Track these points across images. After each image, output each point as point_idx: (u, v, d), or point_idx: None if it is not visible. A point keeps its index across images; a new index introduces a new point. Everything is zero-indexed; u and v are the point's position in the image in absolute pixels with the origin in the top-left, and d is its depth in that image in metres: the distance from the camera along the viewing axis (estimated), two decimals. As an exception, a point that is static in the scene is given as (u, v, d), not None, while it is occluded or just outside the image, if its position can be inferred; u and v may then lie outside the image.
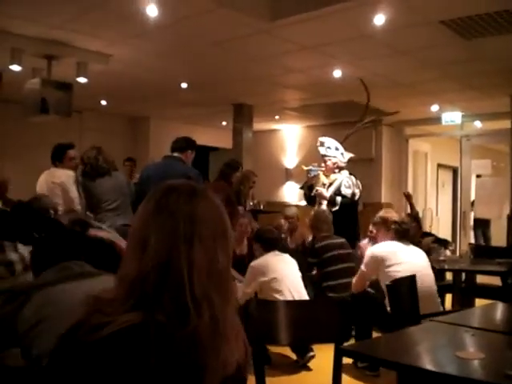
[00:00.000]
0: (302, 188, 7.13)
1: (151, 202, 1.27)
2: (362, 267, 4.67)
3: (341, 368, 2.52)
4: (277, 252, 5.06)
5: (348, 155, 6.76)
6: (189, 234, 1.21)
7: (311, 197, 6.74)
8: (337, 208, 6.38)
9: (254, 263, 4.96)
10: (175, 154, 5.41)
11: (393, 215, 4.92)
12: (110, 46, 6.67)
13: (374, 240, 5.41)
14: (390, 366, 2.45)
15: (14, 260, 2.97)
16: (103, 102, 10.20)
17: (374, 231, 5.08)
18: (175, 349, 1.13)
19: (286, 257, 5.12)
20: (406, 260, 4.49)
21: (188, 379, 1.15)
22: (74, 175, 5.57)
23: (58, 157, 5.67)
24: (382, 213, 5.04)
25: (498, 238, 9.54)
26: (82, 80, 7.15)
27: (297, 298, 4.71)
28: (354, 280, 4.85)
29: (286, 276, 4.86)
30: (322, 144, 6.70)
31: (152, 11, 5.43)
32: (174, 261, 1.18)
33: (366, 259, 4.66)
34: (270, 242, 5.07)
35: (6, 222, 3.27)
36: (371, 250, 4.72)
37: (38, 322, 2.02)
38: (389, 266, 4.41)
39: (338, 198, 6.40)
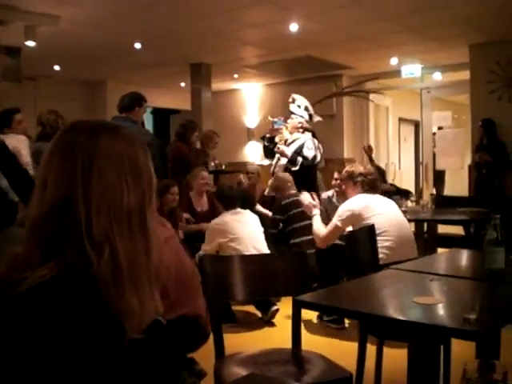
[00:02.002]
0: (262, 138, 7.09)
1: (53, 141, 1.17)
2: (337, 222, 4.54)
3: (300, 320, 2.48)
4: (238, 210, 5.00)
5: (317, 118, 6.71)
6: (86, 171, 1.11)
7: (269, 149, 6.70)
8: (297, 168, 6.34)
9: (212, 223, 4.91)
10: (123, 115, 5.23)
11: (358, 168, 4.88)
12: (58, 6, 6.40)
13: (341, 195, 5.43)
14: (346, 315, 2.41)
15: None
16: (56, 68, 9.88)
17: (343, 186, 5.06)
18: (83, 298, 1.05)
19: (247, 214, 5.07)
20: (382, 211, 4.47)
21: (104, 327, 1.06)
22: (27, 140, 5.39)
23: (6, 122, 5.47)
24: (347, 167, 5.02)
25: (462, 189, 9.63)
26: (30, 44, 6.90)
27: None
28: (321, 234, 4.77)
29: (246, 234, 4.80)
30: (294, 101, 6.66)
31: (98, -35, 5.21)
32: (71, 200, 1.09)
33: (340, 214, 4.54)
34: (229, 200, 5.01)
35: None
36: (347, 205, 4.61)
37: None
38: (367, 219, 4.37)
39: (299, 159, 6.37)
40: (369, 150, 9.28)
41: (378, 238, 4.18)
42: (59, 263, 1.06)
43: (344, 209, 4.59)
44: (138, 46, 8.31)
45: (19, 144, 5.35)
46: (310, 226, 5.44)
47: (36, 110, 8.67)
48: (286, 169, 6.41)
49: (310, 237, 5.41)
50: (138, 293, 1.13)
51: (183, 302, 1.82)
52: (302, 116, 6.59)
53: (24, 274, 1.04)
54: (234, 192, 5.19)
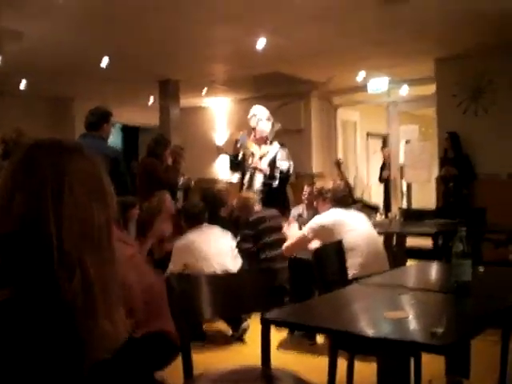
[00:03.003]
0: (229, 154, 7.08)
1: (16, 157, 1.14)
2: (305, 232, 4.59)
3: (269, 338, 2.45)
4: (203, 227, 4.91)
5: (277, 126, 6.71)
6: (57, 190, 1.08)
7: (237, 165, 6.67)
8: (276, 183, 6.34)
9: (177, 243, 4.81)
10: (92, 132, 5.16)
11: (328, 184, 4.92)
12: (20, 22, 6.32)
13: (310, 208, 5.51)
14: (316, 331, 2.39)
15: None
16: (23, 84, 9.74)
17: (314, 202, 5.13)
18: (48, 321, 1.01)
19: (214, 231, 4.99)
20: (354, 226, 4.51)
21: (66, 350, 1.03)
22: None
23: None
24: (317, 183, 5.08)
25: (430, 201, 9.73)
26: (-7, 59, 6.80)
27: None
28: (288, 242, 4.79)
29: (212, 253, 4.71)
30: (255, 114, 6.61)
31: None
32: (42, 221, 1.06)
33: (312, 226, 4.59)
34: (193, 218, 4.93)
35: None
36: (319, 218, 4.65)
37: None
38: (338, 235, 4.37)
39: (277, 174, 6.36)
40: (339, 164, 9.36)
41: (350, 254, 4.20)
42: (18, 286, 1.02)
43: (315, 221, 4.62)
44: (105, 62, 8.24)
45: None
46: (280, 240, 5.44)
47: (2, 126, 8.53)
48: (265, 185, 6.38)
49: (280, 250, 5.42)
50: (110, 313, 1.11)
51: (151, 320, 1.78)
52: (266, 127, 6.56)
53: None
54: (198, 208, 5.10)
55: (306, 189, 6.18)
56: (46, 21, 6.32)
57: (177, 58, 8.31)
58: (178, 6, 5.95)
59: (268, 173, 6.35)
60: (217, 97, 11.85)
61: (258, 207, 5.84)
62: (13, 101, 10.28)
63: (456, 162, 8.06)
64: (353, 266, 4.19)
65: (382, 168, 10.98)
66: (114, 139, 11.77)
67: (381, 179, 11.00)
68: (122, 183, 4.93)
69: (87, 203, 1.12)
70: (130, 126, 13.03)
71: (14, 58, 7.43)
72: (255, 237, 5.59)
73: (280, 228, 5.67)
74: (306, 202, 6.21)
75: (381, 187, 11.32)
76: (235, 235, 5.46)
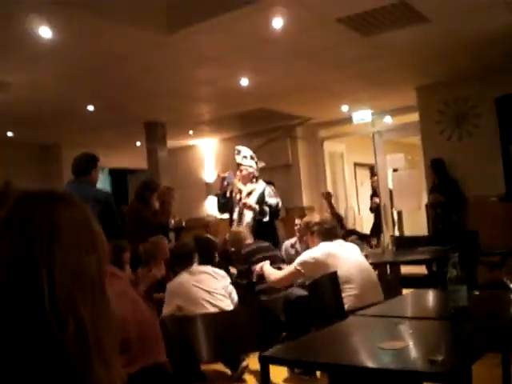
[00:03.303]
0: (215, 195, 7.12)
1: (5, 210, 1.14)
2: (297, 266, 4.55)
3: (268, 376, 2.42)
4: (194, 267, 4.84)
5: (261, 164, 6.78)
6: (47, 245, 1.08)
7: (225, 205, 6.72)
8: (267, 219, 6.37)
9: (169, 284, 4.73)
10: (80, 178, 5.16)
11: (314, 218, 4.94)
12: (8, 73, 6.39)
13: (302, 241, 5.52)
14: (314, 368, 2.38)
15: None
16: (10, 133, 9.79)
17: (304, 238, 5.14)
18: (43, 371, 1.00)
19: (206, 270, 4.91)
20: (345, 258, 4.51)
21: None
22: None
23: None
24: (304, 218, 5.10)
25: (422, 227, 9.76)
26: (-19, 111, 6.84)
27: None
28: (278, 275, 4.79)
29: (203, 294, 4.63)
30: (239, 153, 6.68)
31: (45, 33, 5.23)
32: (31, 275, 1.05)
33: (303, 260, 4.56)
34: (183, 258, 4.87)
35: None
36: (310, 253, 4.63)
37: None
38: (332, 267, 4.37)
39: (266, 208, 6.39)
40: (328, 197, 9.39)
41: (344, 286, 4.20)
42: (11, 337, 1.02)
43: (307, 255, 4.61)
44: (90, 108, 8.32)
45: None
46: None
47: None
48: (255, 220, 6.40)
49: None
50: (105, 361, 1.09)
51: (146, 351, 1.77)
52: (250, 166, 6.63)
53: None
54: (187, 248, 5.03)
55: (297, 221, 6.22)
56: (32, 71, 6.39)
57: (161, 102, 8.38)
58: (161, 52, 6.04)
59: (258, 209, 6.38)
60: (203, 138, 11.94)
61: (249, 240, 5.84)
62: (0, 149, 10.26)
63: (443, 188, 8.11)
64: (348, 299, 4.18)
65: (372, 196, 11.03)
66: (102, 183, 11.77)
67: (371, 209, 11.03)
68: (114, 225, 4.92)
69: (78, 253, 1.11)
70: (118, 169, 13.05)
71: (0, 108, 7.48)
72: (248, 270, 5.55)
73: (276, 258, 5.66)
74: (297, 234, 6.24)
75: (371, 217, 11.35)
76: (227, 270, 5.44)
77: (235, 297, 4.96)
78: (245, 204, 6.44)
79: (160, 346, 1.73)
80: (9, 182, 5.48)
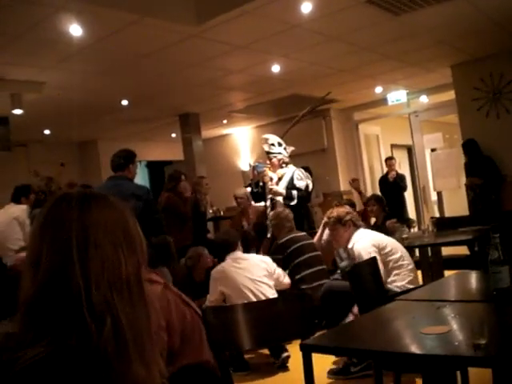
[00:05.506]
0: (248, 186, 7.13)
1: (41, 214, 1.16)
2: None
3: (311, 365, 2.42)
4: (237, 254, 4.85)
5: (290, 149, 6.76)
6: (82, 244, 1.10)
7: (258, 193, 6.73)
8: (295, 202, 6.35)
9: (213, 271, 4.79)
10: (118, 174, 5.22)
11: (340, 210, 4.86)
12: (41, 73, 6.49)
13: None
14: (357, 355, 2.36)
15: None
16: (47, 132, 9.96)
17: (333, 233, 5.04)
18: (83, 372, 1.02)
19: (249, 259, 4.92)
20: (387, 239, 4.52)
21: None
22: (28, 208, 5.43)
23: (24, 193, 5.59)
24: (327, 214, 4.99)
25: (463, 207, 9.59)
26: (17, 112, 6.97)
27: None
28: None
29: (247, 282, 4.64)
30: (266, 141, 6.70)
31: (76, 31, 5.28)
32: (69, 274, 1.07)
33: (369, 252, 4.37)
34: (226, 246, 4.90)
35: None
36: (363, 244, 4.49)
37: None
38: (384, 249, 4.40)
39: (294, 192, 6.38)
40: (354, 183, 9.24)
41: (401, 263, 4.20)
42: (51, 342, 1.04)
43: (365, 248, 4.45)
44: (125, 102, 8.39)
45: (22, 213, 5.38)
46: (311, 259, 5.42)
47: (30, 174, 8.69)
48: (284, 205, 6.40)
49: (314, 269, 5.39)
50: (144, 359, 1.11)
51: (188, 351, 1.78)
52: (279, 152, 6.63)
53: (16, 355, 1.02)
54: (229, 235, 5.05)
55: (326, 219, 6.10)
56: (66, 70, 6.47)
57: (194, 93, 8.41)
58: (191, 44, 6.05)
59: (284, 193, 6.39)
60: (237, 126, 11.95)
61: (290, 229, 5.77)
62: (39, 149, 10.46)
63: (476, 168, 7.96)
64: (408, 274, 4.22)
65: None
66: (141, 176, 11.90)
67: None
68: (156, 222, 4.97)
69: (113, 253, 1.13)
70: (155, 161, 13.16)
71: (37, 108, 7.60)
72: (285, 259, 5.51)
73: (312, 246, 5.64)
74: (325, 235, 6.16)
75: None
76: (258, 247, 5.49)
77: (281, 273, 4.96)
78: (270, 190, 6.47)
79: (203, 344, 1.73)
80: (50, 179, 5.60)
